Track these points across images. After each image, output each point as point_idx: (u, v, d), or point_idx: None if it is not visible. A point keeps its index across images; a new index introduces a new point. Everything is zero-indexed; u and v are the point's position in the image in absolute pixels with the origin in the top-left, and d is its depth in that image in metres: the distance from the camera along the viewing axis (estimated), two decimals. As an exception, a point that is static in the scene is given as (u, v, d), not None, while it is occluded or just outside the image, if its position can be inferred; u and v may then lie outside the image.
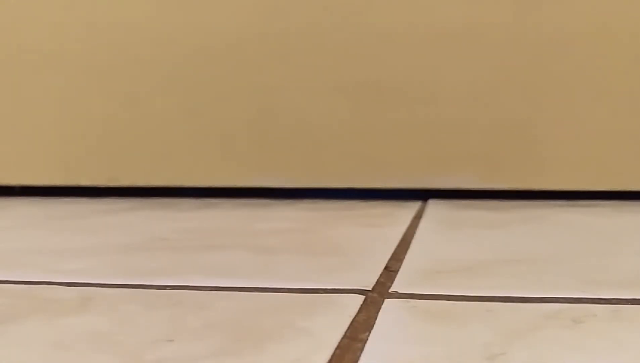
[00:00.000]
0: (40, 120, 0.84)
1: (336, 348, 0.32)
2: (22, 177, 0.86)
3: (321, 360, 0.31)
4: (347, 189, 0.81)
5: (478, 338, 0.33)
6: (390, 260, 0.50)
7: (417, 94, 0.78)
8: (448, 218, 0.68)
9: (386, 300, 0.39)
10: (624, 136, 0.76)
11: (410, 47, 0.78)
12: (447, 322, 0.36)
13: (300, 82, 0.80)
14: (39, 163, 0.85)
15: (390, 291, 0.42)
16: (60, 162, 0.85)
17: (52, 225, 0.68)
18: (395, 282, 0.43)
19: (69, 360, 0.31)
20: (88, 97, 0.83)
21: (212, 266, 0.49)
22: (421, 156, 0.79)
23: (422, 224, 0.64)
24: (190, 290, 0.42)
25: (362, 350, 0.32)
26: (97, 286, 0.43)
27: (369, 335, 0.34)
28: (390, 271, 0.46)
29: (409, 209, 0.73)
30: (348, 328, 0.35)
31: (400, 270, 0.47)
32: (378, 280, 0.44)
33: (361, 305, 0.39)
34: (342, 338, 0.33)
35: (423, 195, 0.80)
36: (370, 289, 0.42)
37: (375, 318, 0.36)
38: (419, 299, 0.40)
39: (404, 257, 0.50)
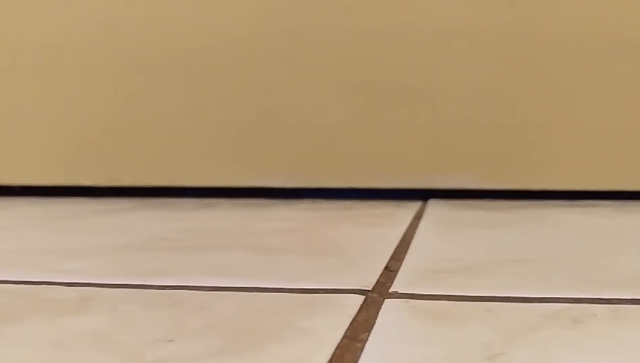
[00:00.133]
0: (40, 120, 0.84)
1: (336, 348, 0.32)
2: (22, 177, 0.86)
3: (321, 360, 0.31)
4: (347, 189, 0.81)
5: (478, 338, 0.33)
6: (390, 260, 0.50)
7: (417, 94, 0.78)
8: (448, 218, 0.68)
9: (386, 300, 0.39)
10: (624, 136, 0.76)
11: (410, 47, 0.78)
12: (447, 321, 0.36)
13: (300, 82, 0.80)
14: (39, 163, 0.85)
15: (390, 291, 0.41)
16: (60, 162, 0.85)
17: (52, 225, 0.68)
18: (395, 282, 0.43)
19: (69, 360, 0.31)
20: (88, 97, 0.83)
21: (212, 266, 0.49)
22: (421, 156, 0.79)
23: (422, 224, 0.64)
24: (190, 290, 0.42)
25: (362, 350, 0.32)
26: (97, 286, 0.43)
27: (369, 335, 0.34)
28: (390, 271, 0.46)
29: (409, 209, 0.73)
30: (348, 328, 0.35)
31: (400, 270, 0.47)
32: (378, 280, 0.44)
33: (361, 305, 0.39)
34: (342, 338, 0.33)
35: (423, 195, 0.80)
36: (370, 289, 0.42)
37: (375, 318, 0.36)
38: (419, 299, 0.40)
39: (404, 257, 0.50)
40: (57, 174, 0.85)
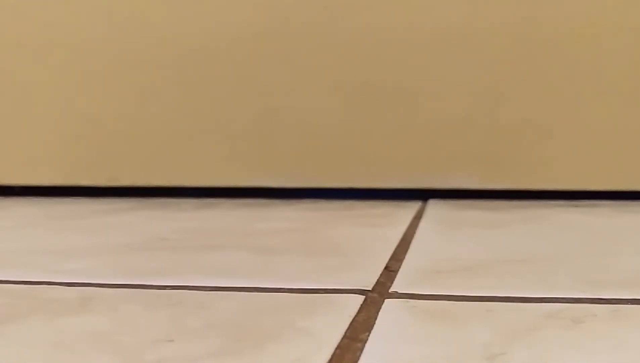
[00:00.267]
0: (40, 120, 0.84)
1: (336, 348, 0.32)
2: (22, 177, 0.86)
3: (321, 360, 0.31)
4: (347, 189, 0.81)
5: (478, 338, 0.33)
6: (390, 260, 0.50)
7: (417, 94, 0.78)
8: (448, 218, 0.68)
9: (386, 300, 0.39)
10: (624, 136, 0.76)
11: (410, 47, 0.78)
12: (447, 321, 0.36)
13: (300, 82, 0.80)
14: (39, 163, 0.85)
15: (390, 291, 0.41)
16: (60, 162, 0.85)
17: (52, 225, 0.68)
18: (395, 282, 0.43)
19: (69, 360, 0.31)
20: (88, 97, 0.83)
21: (212, 266, 0.49)
22: (421, 156, 0.79)
23: (422, 224, 0.64)
24: (190, 290, 0.42)
25: (362, 350, 0.32)
26: (97, 286, 0.43)
27: (369, 335, 0.34)
28: (390, 271, 0.46)
29: (409, 209, 0.73)
30: (348, 328, 0.35)
31: (400, 270, 0.47)
32: (378, 280, 0.44)
33: (361, 305, 0.39)
34: (342, 338, 0.33)
35: (423, 195, 0.80)
36: (370, 289, 0.42)
37: (375, 318, 0.36)
38: (419, 299, 0.40)
39: (404, 257, 0.50)
40: (57, 174, 0.85)
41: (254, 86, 0.80)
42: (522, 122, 0.77)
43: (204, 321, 0.36)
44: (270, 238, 0.58)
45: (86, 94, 0.83)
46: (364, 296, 0.40)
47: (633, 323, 0.35)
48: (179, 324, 0.36)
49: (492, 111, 0.77)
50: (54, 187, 0.85)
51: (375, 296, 0.40)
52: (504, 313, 0.37)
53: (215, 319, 0.37)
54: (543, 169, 0.77)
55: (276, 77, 0.80)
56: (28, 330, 0.35)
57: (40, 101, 0.84)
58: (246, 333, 0.34)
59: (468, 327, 0.35)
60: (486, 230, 0.61)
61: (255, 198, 0.81)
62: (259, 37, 0.80)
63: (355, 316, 0.37)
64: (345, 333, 0.34)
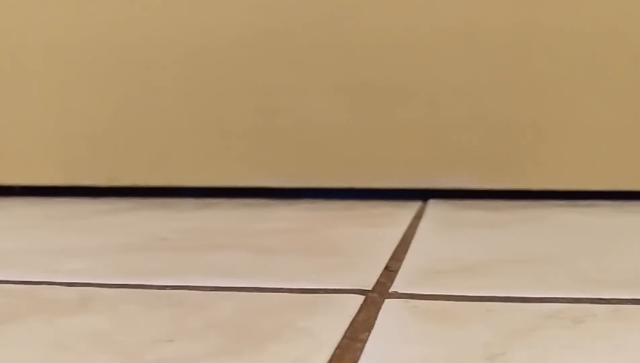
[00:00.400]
0: (40, 120, 0.84)
1: (336, 348, 0.32)
2: (22, 177, 0.86)
3: (321, 360, 0.31)
4: (347, 189, 0.81)
5: (478, 338, 0.33)
6: (390, 260, 0.50)
7: (417, 94, 0.78)
8: (448, 218, 0.68)
9: (386, 300, 0.39)
10: (624, 136, 0.76)
11: (410, 47, 0.78)
12: (447, 321, 0.36)
13: (300, 82, 0.80)
14: (39, 163, 0.85)
15: (390, 291, 0.42)
16: (60, 162, 0.85)
17: (52, 225, 0.68)
18: (395, 282, 0.43)
19: (69, 360, 0.31)
20: (88, 97, 0.83)
21: (212, 266, 0.49)
22: (421, 156, 0.79)
23: (422, 224, 0.64)
24: (190, 290, 0.42)
25: (362, 350, 0.32)
26: (97, 286, 0.43)
27: (369, 335, 0.34)
28: (390, 271, 0.46)
29: (409, 209, 0.73)
30: (348, 328, 0.35)
31: (400, 270, 0.47)
32: (378, 280, 0.44)
33: (361, 305, 0.39)
34: (342, 338, 0.33)
35: (423, 195, 0.80)
36: (370, 289, 0.42)
37: (375, 318, 0.36)
38: (419, 299, 0.40)
39: (404, 257, 0.50)
40: (57, 174, 0.85)
41: (253, 85, 0.80)
42: (522, 122, 0.77)
43: (204, 321, 0.36)
44: (270, 238, 0.58)
45: (86, 94, 0.83)
46: (364, 296, 0.40)
47: (633, 323, 0.35)
48: (179, 324, 0.36)
49: (492, 111, 0.77)
50: (54, 187, 0.85)
51: (375, 296, 0.40)
52: (504, 313, 0.37)
53: (215, 319, 0.37)
54: (543, 169, 0.77)
55: (276, 77, 0.80)
56: (28, 330, 0.35)
57: (40, 101, 0.84)
58: (246, 333, 0.34)
59: (468, 327, 0.35)
60: (486, 230, 0.61)
61: (255, 198, 0.81)
62: (259, 37, 0.80)
63: (355, 316, 0.37)
64: (345, 333, 0.34)
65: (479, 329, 0.34)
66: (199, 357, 0.31)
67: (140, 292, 0.42)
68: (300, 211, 0.73)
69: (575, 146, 0.77)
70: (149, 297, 0.41)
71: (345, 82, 0.79)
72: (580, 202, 0.76)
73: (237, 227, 0.65)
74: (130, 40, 0.82)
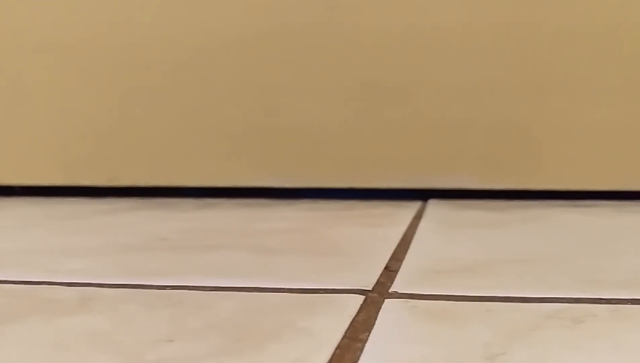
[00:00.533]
0: (40, 120, 0.84)
1: (336, 348, 0.32)
2: (22, 177, 0.86)
3: (321, 360, 0.31)
4: (347, 189, 0.81)
5: (478, 338, 0.33)
6: (390, 260, 0.50)
7: (417, 94, 0.78)
8: (448, 218, 0.68)
9: (386, 300, 0.39)
10: (624, 136, 0.76)
11: (410, 47, 0.78)
12: (447, 321, 0.36)
13: (300, 82, 0.80)
14: (39, 163, 0.85)
15: (390, 291, 0.42)
16: (60, 162, 0.85)
17: (52, 225, 0.68)
18: (395, 282, 0.43)
19: (69, 360, 0.31)
20: (88, 97, 0.83)
21: (212, 266, 0.49)
22: (421, 156, 0.79)
23: (422, 224, 0.64)
24: (190, 290, 0.42)
25: (362, 350, 0.32)
26: (97, 286, 0.43)
27: (369, 335, 0.34)
28: (390, 271, 0.46)
29: (409, 209, 0.73)
30: (348, 328, 0.35)
31: (400, 270, 0.47)
32: (378, 280, 0.44)
33: (361, 305, 0.39)
34: (342, 338, 0.33)
35: (423, 195, 0.80)
36: (370, 289, 0.42)
37: (375, 318, 0.36)
38: (419, 299, 0.40)
39: (404, 257, 0.50)
40: (57, 174, 0.85)
41: (253, 86, 0.80)
42: (522, 122, 0.77)
43: (204, 321, 0.36)
44: (270, 238, 0.58)
45: (86, 94, 0.83)
46: (364, 296, 0.40)
47: (633, 323, 0.35)
48: (179, 324, 0.36)
49: (492, 111, 0.77)
50: (54, 187, 0.85)
51: (375, 296, 0.40)
52: (504, 313, 0.37)
53: (215, 319, 0.37)
54: (543, 169, 0.77)
55: (276, 77, 0.80)
56: (28, 330, 0.35)
57: (40, 101, 0.84)
58: (246, 333, 0.34)
59: (468, 327, 0.35)
60: (486, 230, 0.61)
61: (255, 198, 0.81)
62: (259, 37, 0.80)
63: (355, 316, 0.37)
64: (345, 333, 0.34)
65: (479, 329, 0.34)
66: (199, 357, 0.31)
67: (140, 292, 0.42)
68: (300, 211, 0.73)
69: (576, 146, 0.77)
70: (149, 297, 0.41)
71: (345, 82, 0.79)
72: (580, 202, 0.76)
73: (237, 227, 0.65)
74: (131, 40, 0.82)
